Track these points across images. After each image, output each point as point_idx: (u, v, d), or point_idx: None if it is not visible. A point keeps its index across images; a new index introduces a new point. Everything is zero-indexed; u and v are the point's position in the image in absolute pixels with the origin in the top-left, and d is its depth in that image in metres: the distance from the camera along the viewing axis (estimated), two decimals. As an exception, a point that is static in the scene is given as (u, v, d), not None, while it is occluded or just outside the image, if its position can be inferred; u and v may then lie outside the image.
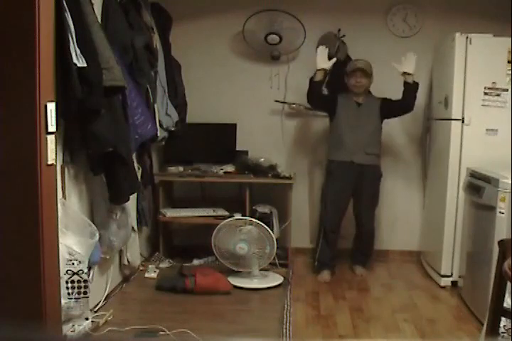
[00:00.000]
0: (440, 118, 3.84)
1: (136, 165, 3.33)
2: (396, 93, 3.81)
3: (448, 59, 3.64)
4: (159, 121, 3.65)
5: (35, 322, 2.07)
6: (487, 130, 3.55)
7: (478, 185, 3.21)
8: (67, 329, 2.54)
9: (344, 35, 4.17)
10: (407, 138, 4.30)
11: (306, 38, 4.17)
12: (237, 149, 4.31)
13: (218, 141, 4.35)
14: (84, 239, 2.61)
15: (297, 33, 4.15)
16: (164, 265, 4.03)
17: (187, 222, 4.17)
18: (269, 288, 3.61)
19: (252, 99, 4.41)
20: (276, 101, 4.30)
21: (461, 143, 3.58)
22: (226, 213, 4.05)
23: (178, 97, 4.00)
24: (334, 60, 3.82)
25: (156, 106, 3.60)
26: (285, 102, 4.31)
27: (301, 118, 4.38)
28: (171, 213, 4.09)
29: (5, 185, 2.05)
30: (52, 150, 2.11)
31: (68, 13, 2.34)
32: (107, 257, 3.11)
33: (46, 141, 2.06)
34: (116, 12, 3.01)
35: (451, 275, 3.67)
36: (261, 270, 3.74)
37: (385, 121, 3.91)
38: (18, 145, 2.03)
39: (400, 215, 4.34)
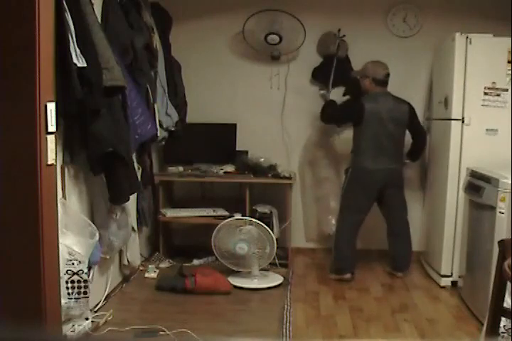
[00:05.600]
0: (440, 118, 3.84)
1: (136, 165, 3.33)
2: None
3: (448, 59, 3.64)
4: (159, 121, 3.66)
5: (35, 322, 2.07)
6: (487, 130, 3.55)
7: (478, 185, 3.20)
8: (67, 329, 2.54)
9: (344, 35, 4.17)
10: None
11: (306, 38, 4.17)
12: (237, 149, 4.31)
13: (218, 141, 4.35)
14: (84, 239, 2.61)
15: (297, 33, 4.15)
16: (164, 265, 4.04)
17: (187, 221, 4.17)
18: (269, 288, 3.61)
19: (252, 99, 4.41)
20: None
21: (461, 143, 3.58)
22: (226, 213, 4.05)
23: (178, 97, 4.00)
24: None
25: (156, 106, 3.60)
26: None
27: (301, 118, 4.38)
28: (171, 213, 4.09)
29: (5, 185, 2.05)
30: (52, 150, 2.10)
31: (68, 13, 2.34)
32: (107, 257, 3.11)
33: (46, 141, 2.06)
34: (117, 12, 3.01)
35: (451, 275, 3.67)
36: (261, 270, 3.74)
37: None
38: (18, 145, 2.03)
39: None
